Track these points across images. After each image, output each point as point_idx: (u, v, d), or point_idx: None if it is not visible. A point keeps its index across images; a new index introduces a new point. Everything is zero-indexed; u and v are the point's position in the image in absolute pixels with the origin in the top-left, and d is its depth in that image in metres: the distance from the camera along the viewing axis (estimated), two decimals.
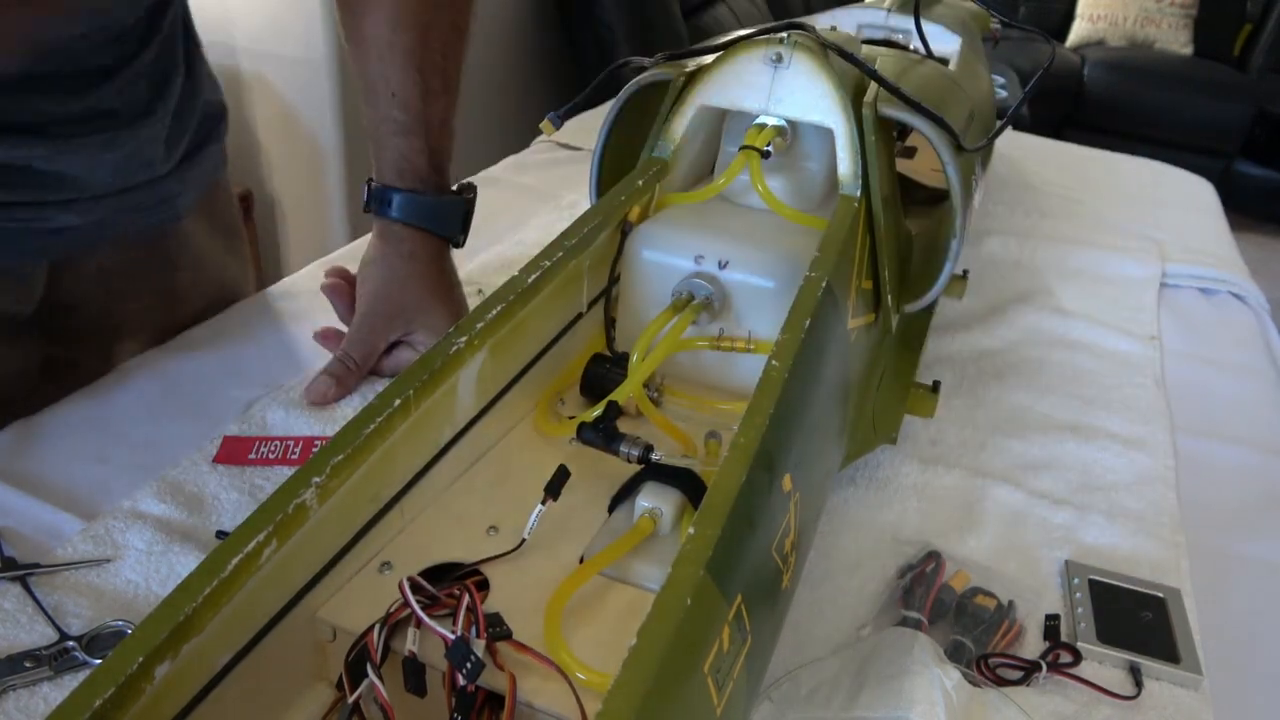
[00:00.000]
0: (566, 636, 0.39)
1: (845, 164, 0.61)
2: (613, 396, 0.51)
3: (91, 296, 0.73)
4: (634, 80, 0.67)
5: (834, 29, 0.68)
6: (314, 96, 1.70)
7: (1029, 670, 0.52)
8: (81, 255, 0.71)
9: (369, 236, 0.74)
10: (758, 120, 0.63)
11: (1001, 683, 0.51)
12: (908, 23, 0.98)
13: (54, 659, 0.47)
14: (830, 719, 0.46)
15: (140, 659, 0.31)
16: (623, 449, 0.48)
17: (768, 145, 0.61)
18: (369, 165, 0.73)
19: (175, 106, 0.71)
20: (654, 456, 0.48)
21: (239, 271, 0.87)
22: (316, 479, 0.38)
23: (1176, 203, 1.26)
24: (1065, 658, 0.53)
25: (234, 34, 1.73)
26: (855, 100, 0.60)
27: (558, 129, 0.65)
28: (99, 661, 0.46)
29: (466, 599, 0.38)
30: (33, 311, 0.70)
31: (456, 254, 0.76)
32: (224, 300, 0.82)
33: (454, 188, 0.74)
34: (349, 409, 0.68)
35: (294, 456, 0.63)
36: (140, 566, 0.54)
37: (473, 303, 0.81)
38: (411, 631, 0.38)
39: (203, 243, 0.80)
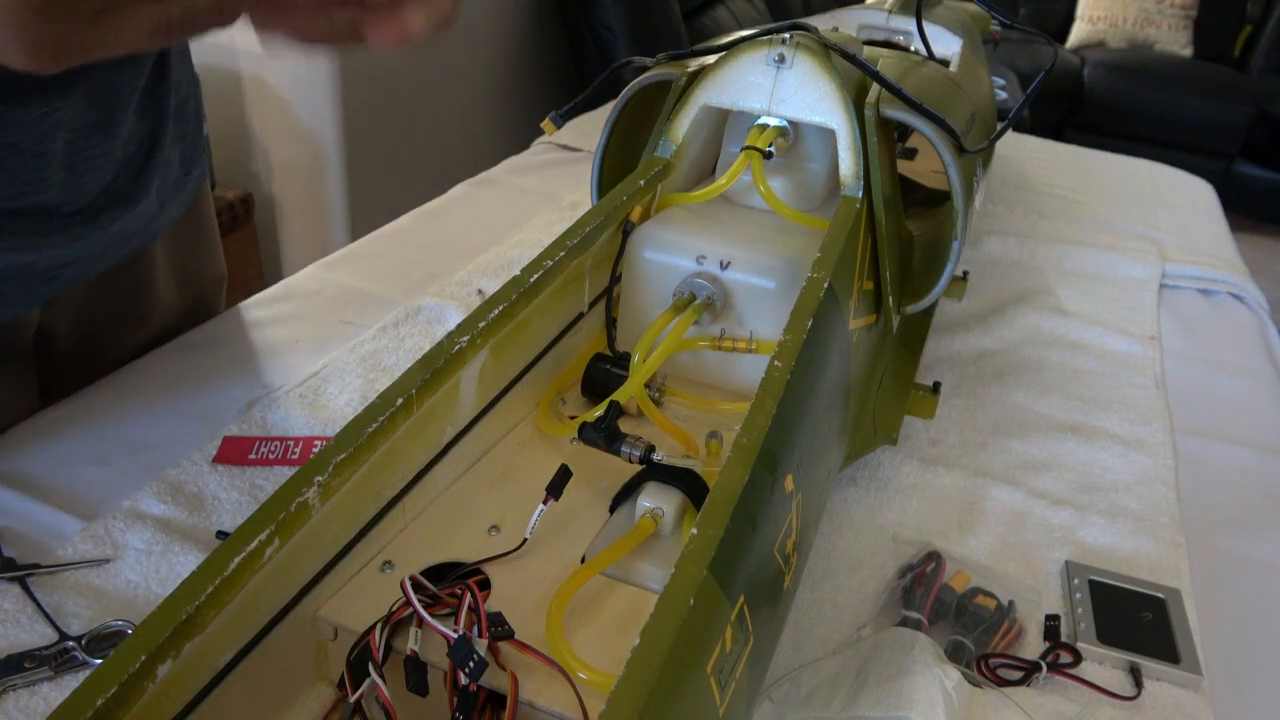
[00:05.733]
0: (568, 636, 0.39)
1: (847, 165, 0.61)
2: (614, 396, 0.51)
3: (74, 321, 0.70)
4: (637, 80, 0.67)
5: (835, 30, 0.68)
6: (314, 97, 1.69)
7: (1029, 670, 0.52)
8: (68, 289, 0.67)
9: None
10: (760, 121, 0.63)
11: (1001, 683, 0.51)
12: (909, 24, 0.99)
13: (54, 659, 0.47)
14: (830, 719, 0.46)
15: (143, 657, 0.31)
16: (624, 449, 0.48)
17: (770, 146, 0.61)
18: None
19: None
20: (655, 456, 0.48)
21: (216, 276, 0.84)
22: (319, 478, 0.38)
23: (1176, 203, 1.26)
24: (1065, 658, 0.53)
25: (234, 35, 1.73)
26: (857, 101, 0.60)
27: (559, 128, 0.65)
28: (99, 661, 0.46)
29: (468, 598, 0.38)
30: (29, 340, 0.68)
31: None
32: (202, 310, 0.80)
33: None
34: (349, 408, 0.68)
35: (294, 456, 0.63)
36: (140, 566, 0.54)
37: (473, 304, 0.81)
38: (413, 631, 0.38)
39: (182, 253, 0.78)
